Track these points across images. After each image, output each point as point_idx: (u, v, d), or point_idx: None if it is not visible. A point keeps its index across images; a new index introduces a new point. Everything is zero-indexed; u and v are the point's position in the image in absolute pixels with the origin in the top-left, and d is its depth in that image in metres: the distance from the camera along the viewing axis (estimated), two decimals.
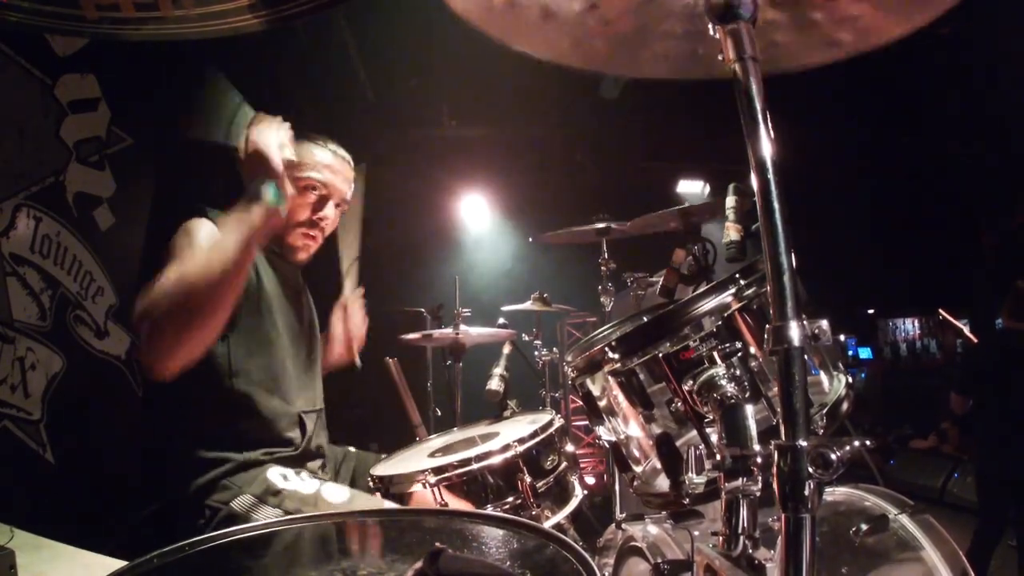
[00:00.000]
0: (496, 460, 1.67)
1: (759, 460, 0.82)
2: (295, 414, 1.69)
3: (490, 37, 0.97)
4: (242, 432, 1.60)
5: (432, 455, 1.93)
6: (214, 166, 1.83)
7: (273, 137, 1.52)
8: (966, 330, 5.62)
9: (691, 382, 0.99)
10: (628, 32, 0.97)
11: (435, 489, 1.63)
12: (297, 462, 1.68)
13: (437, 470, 1.66)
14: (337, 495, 1.60)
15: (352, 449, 2.03)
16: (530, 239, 3.45)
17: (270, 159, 1.50)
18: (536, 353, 4.33)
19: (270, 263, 1.75)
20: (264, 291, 1.67)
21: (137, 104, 2.82)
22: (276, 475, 1.58)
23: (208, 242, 1.51)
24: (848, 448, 0.67)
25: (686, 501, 1.05)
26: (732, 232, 1.43)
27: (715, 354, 1.00)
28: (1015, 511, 3.47)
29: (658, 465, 1.08)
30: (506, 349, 2.84)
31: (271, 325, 1.67)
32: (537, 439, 1.73)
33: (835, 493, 1.40)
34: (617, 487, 2.89)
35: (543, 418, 1.87)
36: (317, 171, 1.74)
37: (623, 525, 1.62)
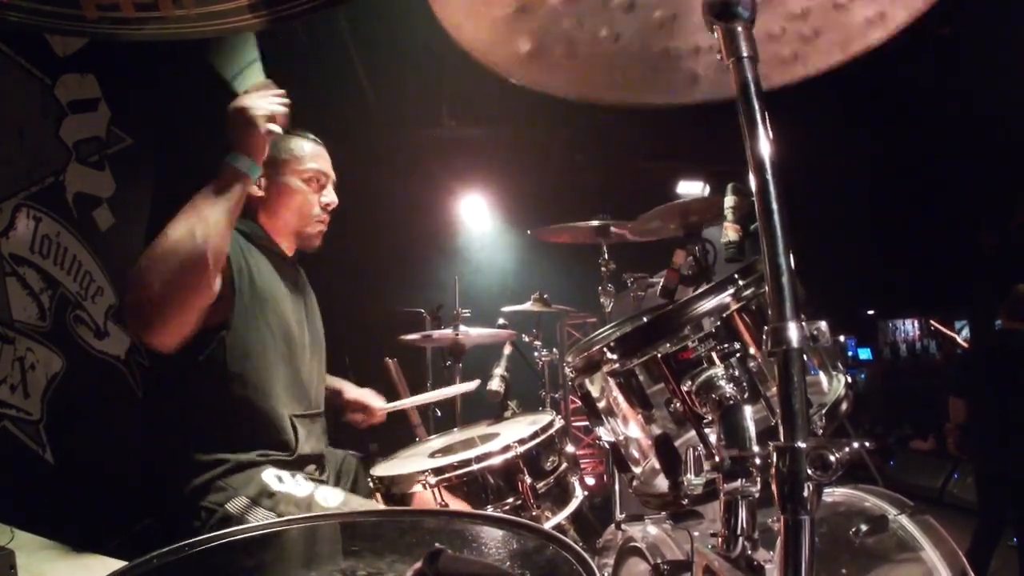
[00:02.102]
0: (496, 461, 1.67)
1: (758, 461, 0.82)
2: (286, 417, 1.67)
3: (523, 86, 0.96)
4: (237, 434, 1.59)
5: (432, 456, 1.93)
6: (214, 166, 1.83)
7: (263, 105, 1.50)
8: (958, 337, 5.61)
9: (690, 383, 0.99)
10: (654, 58, 0.96)
11: (435, 490, 1.63)
12: (293, 467, 1.66)
13: (437, 471, 1.66)
14: (331, 499, 1.59)
15: (352, 453, 2.02)
16: (528, 232, 3.44)
17: (255, 128, 1.47)
18: (536, 354, 4.33)
19: (270, 261, 1.74)
20: (258, 290, 1.65)
21: (137, 104, 2.82)
22: (271, 477, 1.57)
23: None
24: (847, 449, 0.67)
25: (685, 502, 1.05)
26: (731, 232, 1.44)
27: (714, 355, 1.00)
28: (1015, 511, 3.47)
29: (657, 466, 1.08)
30: (506, 350, 2.84)
31: (265, 325, 1.65)
32: (537, 440, 1.73)
33: (835, 493, 1.40)
34: (617, 488, 2.89)
35: (543, 419, 1.87)
36: (314, 161, 1.79)
37: (623, 526, 1.62)
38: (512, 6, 0.87)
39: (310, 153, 1.79)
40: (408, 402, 2.36)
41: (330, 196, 1.82)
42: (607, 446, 1.27)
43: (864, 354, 9.77)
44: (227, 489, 1.53)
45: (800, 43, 0.95)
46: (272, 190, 1.76)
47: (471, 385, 2.54)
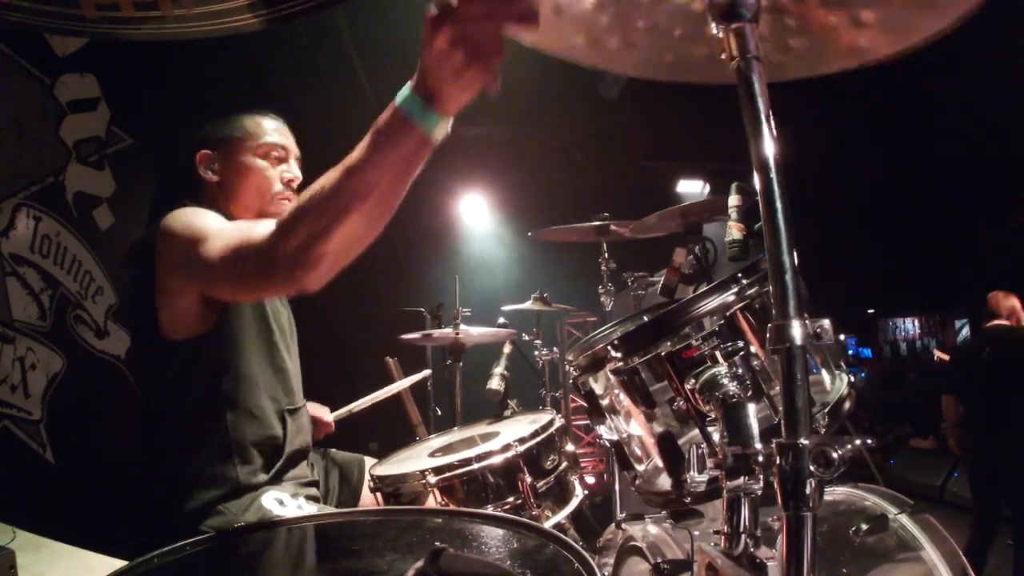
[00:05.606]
0: (496, 460, 1.67)
1: (760, 459, 0.82)
2: (275, 412, 1.61)
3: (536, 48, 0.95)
4: (233, 437, 1.53)
5: (432, 455, 1.93)
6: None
7: None
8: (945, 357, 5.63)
9: (693, 381, 0.99)
10: (642, 33, 0.96)
11: (435, 489, 1.62)
12: (286, 466, 1.63)
13: (437, 470, 1.65)
14: None
15: (334, 451, 1.99)
16: (529, 234, 3.44)
17: None
18: (536, 353, 4.33)
19: None
20: None
21: (137, 104, 2.82)
22: (271, 501, 1.52)
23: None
24: (849, 447, 0.67)
25: (688, 500, 1.05)
26: (735, 231, 1.44)
27: (717, 353, 1.00)
28: (1013, 509, 3.49)
29: (660, 464, 1.08)
30: (506, 349, 2.84)
31: (248, 315, 1.59)
32: (537, 439, 1.73)
33: (835, 492, 1.40)
34: (617, 486, 2.89)
35: (543, 418, 1.87)
36: (270, 135, 1.68)
37: (623, 525, 1.62)
38: None
39: (266, 128, 1.68)
40: (354, 405, 2.29)
41: (293, 171, 1.68)
42: (609, 444, 1.27)
43: (865, 352, 9.82)
44: (226, 514, 1.47)
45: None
46: (228, 172, 1.65)
47: (418, 376, 2.67)
